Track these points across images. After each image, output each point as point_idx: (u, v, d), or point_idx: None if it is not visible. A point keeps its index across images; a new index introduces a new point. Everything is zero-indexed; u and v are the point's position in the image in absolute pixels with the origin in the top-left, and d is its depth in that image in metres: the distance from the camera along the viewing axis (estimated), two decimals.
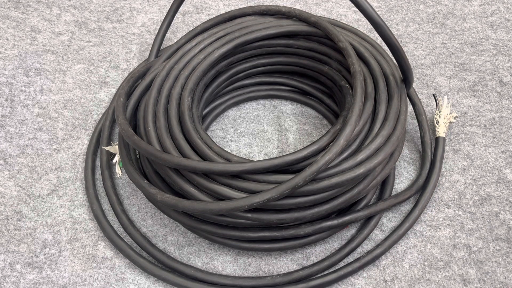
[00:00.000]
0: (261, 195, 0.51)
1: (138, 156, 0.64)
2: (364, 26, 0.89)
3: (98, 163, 0.70)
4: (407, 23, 0.90)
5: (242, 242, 0.59)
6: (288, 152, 0.69)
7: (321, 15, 0.91)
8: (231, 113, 0.76)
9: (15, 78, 0.81)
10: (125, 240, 0.61)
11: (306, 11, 0.85)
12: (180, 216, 0.58)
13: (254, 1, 0.95)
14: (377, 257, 0.59)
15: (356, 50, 0.64)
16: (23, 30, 0.89)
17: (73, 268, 0.60)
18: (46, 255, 0.61)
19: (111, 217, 0.65)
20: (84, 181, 0.68)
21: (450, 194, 0.66)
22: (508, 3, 0.93)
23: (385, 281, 0.59)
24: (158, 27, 0.90)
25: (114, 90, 0.79)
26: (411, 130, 0.73)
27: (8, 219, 0.65)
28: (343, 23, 0.71)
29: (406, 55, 0.83)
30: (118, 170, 0.68)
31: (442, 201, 0.66)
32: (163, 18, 0.89)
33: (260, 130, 0.73)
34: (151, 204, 0.66)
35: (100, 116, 0.76)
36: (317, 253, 0.61)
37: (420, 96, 0.77)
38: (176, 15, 0.89)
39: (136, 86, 0.66)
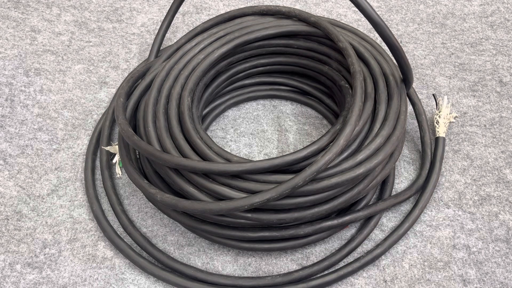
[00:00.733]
0: (261, 195, 0.51)
1: (138, 156, 0.64)
2: (364, 26, 0.89)
3: (98, 163, 0.70)
4: (407, 23, 0.90)
5: (242, 242, 0.59)
6: (288, 152, 0.69)
7: (321, 15, 0.91)
8: (231, 113, 0.76)
9: (15, 78, 0.81)
10: (125, 240, 0.61)
11: (306, 11, 0.85)
12: (180, 216, 0.58)
13: (254, 1, 0.95)
14: (377, 257, 0.59)
15: (356, 50, 0.64)
16: (23, 30, 0.89)
17: (73, 268, 0.60)
18: (46, 255, 0.61)
19: (111, 217, 0.65)
20: (84, 181, 0.68)
21: (450, 194, 0.66)
22: (508, 3, 0.93)
23: (385, 281, 0.59)
24: (158, 27, 0.90)
25: (114, 90, 0.79)
26: (411, 130, 0.73)
27: (8, 219, 0.65)
28: (343, 23, 0.71)
29: (406, 55, 0.83)
30: (118, 170, 0.68)
31: (442, 201, 0.66)
32: (163, 18, 0.89)
33: (260, 130, 0.73)
34: (151, 204, 0.66)
35: (100, 116, 0.76)
36: (317, 253, 0.61)
37: (420, 96, 0.77)
38: (176, 15, 0.89)
39: (136, 86, 0.66)
